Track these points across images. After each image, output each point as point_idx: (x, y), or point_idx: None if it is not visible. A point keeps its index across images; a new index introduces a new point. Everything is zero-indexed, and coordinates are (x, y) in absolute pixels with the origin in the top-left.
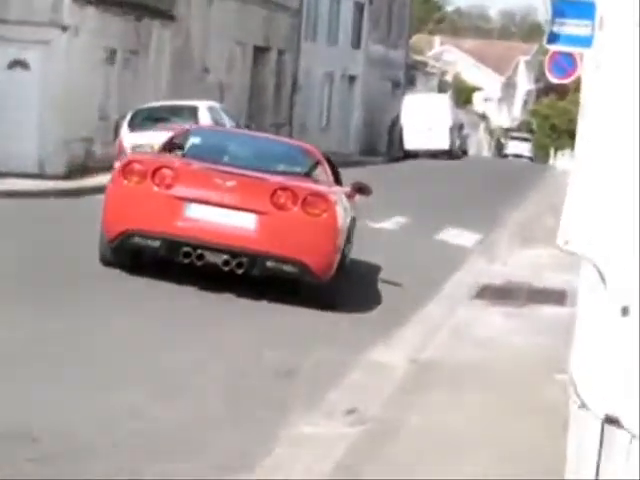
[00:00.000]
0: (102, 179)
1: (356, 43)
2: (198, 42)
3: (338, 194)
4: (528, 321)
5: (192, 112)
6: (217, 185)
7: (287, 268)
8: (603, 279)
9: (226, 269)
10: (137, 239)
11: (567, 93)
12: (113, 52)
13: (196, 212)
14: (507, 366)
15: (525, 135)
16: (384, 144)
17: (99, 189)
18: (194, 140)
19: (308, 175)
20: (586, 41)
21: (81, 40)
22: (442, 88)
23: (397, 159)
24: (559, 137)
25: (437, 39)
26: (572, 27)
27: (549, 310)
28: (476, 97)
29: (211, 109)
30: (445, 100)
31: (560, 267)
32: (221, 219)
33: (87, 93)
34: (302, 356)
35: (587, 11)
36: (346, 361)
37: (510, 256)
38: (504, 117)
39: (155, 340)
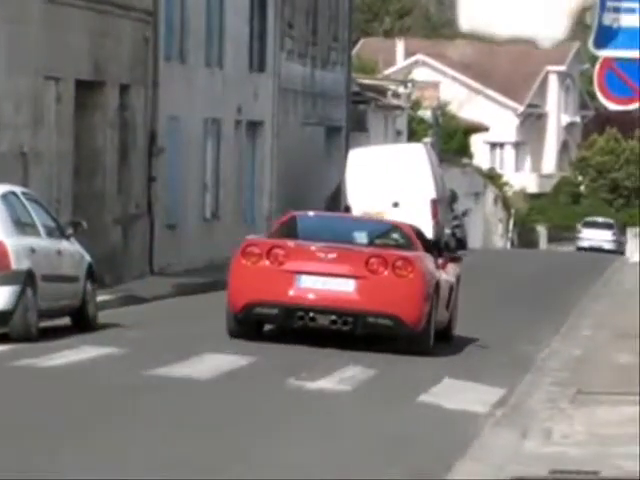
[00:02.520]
0: None
1: (258, 63)
2: None
3: (424, 259)
4: None
5: None
6: (320, 258)
7: (384, 322)
8: None
9: (334, 328)
10: (258, 309)
11: (636, 126)
12: None
13: (305, 282)
14: None
15: (606, 220)
16: None
17: None
18: (299, 224)
19: (398, 246)
20: None
21: None
22: (415, 132)
23: None
24: (627, 203)
25: (400, 45)
26: (638, 16)
27: None
28: (477, 143)
29: (8, 199)
30: (421, 153)
31: None
32: (326, 286)
33: None
34: None
35: None
36: None
37: (556, 424)
38: (527, 175)
39: None
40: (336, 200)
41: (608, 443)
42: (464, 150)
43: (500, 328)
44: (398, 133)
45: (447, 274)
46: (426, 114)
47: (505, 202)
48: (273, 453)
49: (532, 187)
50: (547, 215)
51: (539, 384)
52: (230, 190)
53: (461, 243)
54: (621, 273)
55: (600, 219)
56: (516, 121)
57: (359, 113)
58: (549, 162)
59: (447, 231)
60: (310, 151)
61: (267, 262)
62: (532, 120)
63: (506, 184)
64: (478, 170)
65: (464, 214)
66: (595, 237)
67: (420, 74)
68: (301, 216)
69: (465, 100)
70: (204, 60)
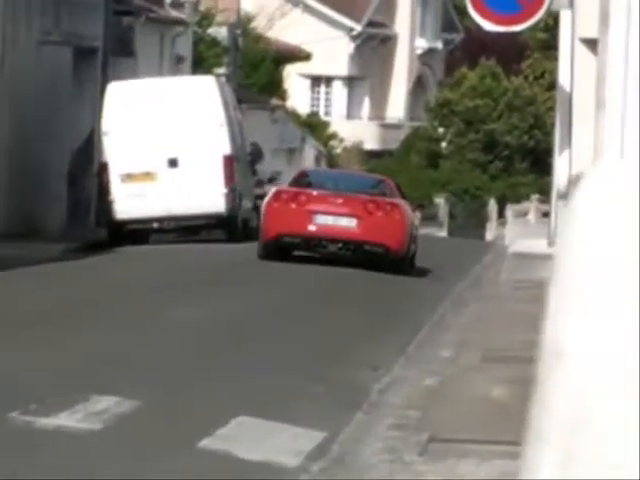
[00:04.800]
0: None
1: None
2: None
3: (405, 205)
4: None
5: None
6: (332, 202)
7: (377, 250)
8: None
9: (340, 253)
10: (286, 239)
11: (525, 56)
12: None
13: (321, 219)
14: None
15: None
16: (62, 211)
17: None
18: (310, 177)
19: (384, 194)
20: None
21: None
22: (203, 59)
23: (95, 247)
24: (508, 167)
25: None
26: None
27: None
28: (293, 77)
29: None
30: (211, 90)
31: None
32: (336, 222)
33: None
34: None
35: None
36: None
37: None
38: (365, 124)
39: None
40: (87, 154)
41: None
42: (274, 87)
43: (319, 343)
44: (179, 60)
45: (415, 218)
46: (220, 33)
47: (332, 162)
48: None
49: (371, 142)
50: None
51: (375, 427)
52: None
53: None
54: (496, 267)
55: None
56: (350, 46)
57: (123, 29)
58: (396, 106)
59: (247, 203)
60: (51, 82)
61: (293, 205)
62: (373, 45)
63: (334, 136)
64: (294, 116)
65: (272, 179)
66: None
67: None
68: (310, 171)
69: (277, 14)
70: None
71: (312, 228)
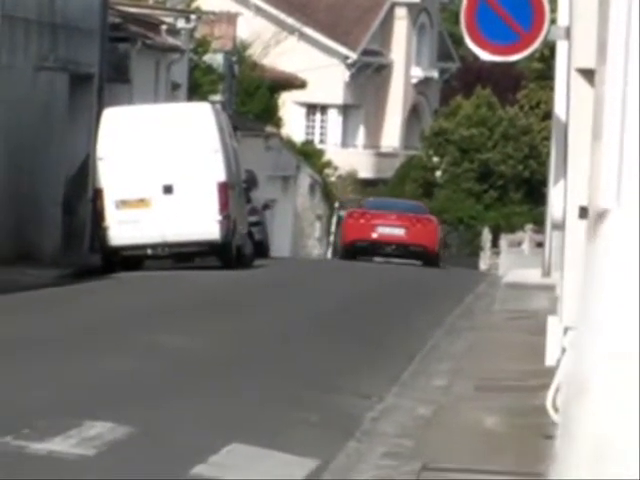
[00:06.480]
0: None
1: None
2: None
3: (435, 219)
4: None
5: None
6: (388, 218)
7: (418, 249)
8: None
9: (394, 252)
10: (358, 243)
11: (520, 86)
12: None
13: (381, 229)
14: None
15: None
16: (56, 237)
17: None
18: (369, 203)
19: (422, 212)
20: None
21: None
22: (199, 85)
23: (89, 273)
24: (502, 197)
25: None
26: None
27: None
28: (288, 105)
29: None
30: (207, 117)
31: None
32: (391, 231)
33: None
34: None
35: None
36: None
37: None
38: (360, 152)
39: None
40: (82, 180)
41: None
42: (269, 114)
43: (311, 372)
44: (175, 86)
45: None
46: (216, 60)
47: (327, 191)
48: None
49: (366, 170)
50: None
51: (367, 455)
52: None
53: (261, 248)
54: (489, 298)
55: None
56: (346, 74)
57: (119, 56)
58: (391, 135)
59: (241, 230)
60: (46, 108)
61: (362, 220)
62: (369, 74)
63: (328, 165)
64: (289, 144)
65: (266, 207)
66: None
67: (209, 2)
68: (368, 200)
69: (273, 42)
70: None
71: (375, 235)
